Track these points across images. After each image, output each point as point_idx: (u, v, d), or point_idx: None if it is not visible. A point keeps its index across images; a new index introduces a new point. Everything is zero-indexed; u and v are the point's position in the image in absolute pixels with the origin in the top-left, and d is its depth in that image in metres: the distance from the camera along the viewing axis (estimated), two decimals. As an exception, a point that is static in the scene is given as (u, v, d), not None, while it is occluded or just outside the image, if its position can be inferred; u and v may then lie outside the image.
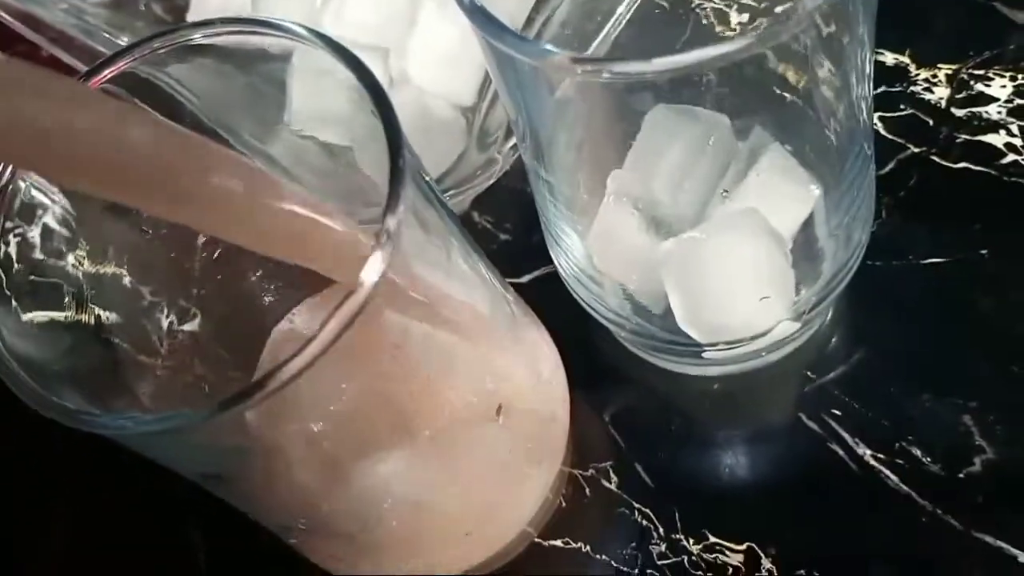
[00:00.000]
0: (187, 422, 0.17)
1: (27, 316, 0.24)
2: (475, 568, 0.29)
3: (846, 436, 0.31)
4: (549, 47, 0.21)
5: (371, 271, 0.17)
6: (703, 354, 0.30)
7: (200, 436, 0.18)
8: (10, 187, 0.24)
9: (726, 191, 0.29)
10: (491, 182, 0.33)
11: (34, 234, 0.26)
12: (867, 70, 0.27)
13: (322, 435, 0.20)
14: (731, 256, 0.28)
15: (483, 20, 0.21)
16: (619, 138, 0.32)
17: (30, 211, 0.26)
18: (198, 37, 0.23)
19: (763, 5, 0.31)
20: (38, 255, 0.26)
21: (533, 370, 0.29)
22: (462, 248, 0.25)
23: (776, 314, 0.28)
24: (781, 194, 0.30)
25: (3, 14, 0.36)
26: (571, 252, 0.30)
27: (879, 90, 0.36)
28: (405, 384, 0.21)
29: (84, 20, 0.39)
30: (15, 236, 0.25)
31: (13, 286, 0.24)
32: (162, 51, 0.23)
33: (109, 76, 0.22)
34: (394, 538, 0.24)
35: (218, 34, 0.22)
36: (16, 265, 0.25)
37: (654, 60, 0.20)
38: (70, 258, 0.27)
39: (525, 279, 0.36)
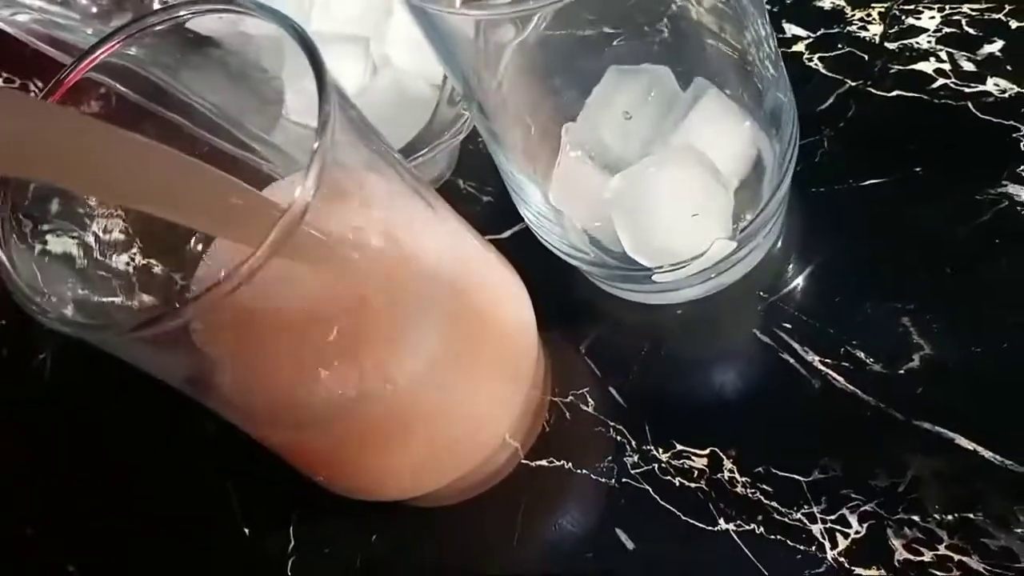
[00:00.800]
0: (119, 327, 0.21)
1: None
2: (465, 480, 0.33)
3: (796, 346, 0.34)
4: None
5: (303, 190, 0.21)
6: (653, 277, 0.33)
7: (152, 342, 0.22)
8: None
9: (627, 113, 0.32)
10: (462, 136, 0.36)
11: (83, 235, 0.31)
12: (763, 32, 0.31)
13: (284, 338, 0.24)
14: (665, 183, 0.31)
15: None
16: (572, 96, 0.35)
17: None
18: (170, 20, 0.27)
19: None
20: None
21: (506, 308, 0.33)
22: (424, 202, 0.29)
23: (711, 233, 0.32)
24: (718, 130, 0.33)
25: (32, 39, 0.41)
26: (529, 199, 0.34)
27: (818, 33, 0.39)
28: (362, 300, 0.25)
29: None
30: (56, 235, 0.30)
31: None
32: (141, 35, 0.27)
33: (99, 60, 0.27)
34: (379, 436, 0.28)
35: (183, 16, 0.27)
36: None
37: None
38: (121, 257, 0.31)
39: (506, 234, 0.40)
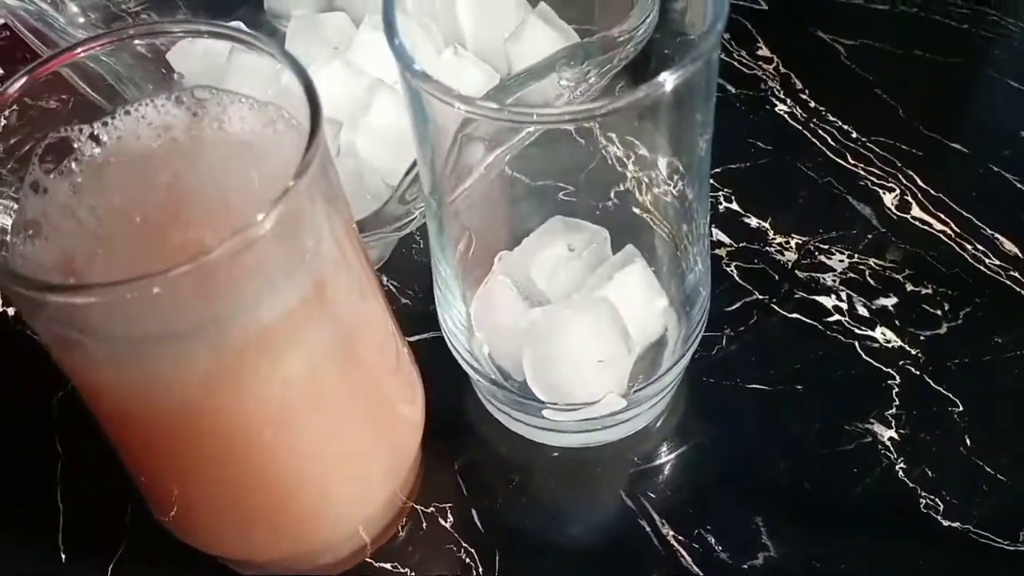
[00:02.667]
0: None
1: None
2: (303, 560, 0.33)
3: (655, 515, 0.36)
4: (440, 82, 0.26)
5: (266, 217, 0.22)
6: (543, 412, 0.34)
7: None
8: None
9: (572, 246, 0.35)
10: (403, 233, 0.38)
11: None
12: (701, 232, 0.34)
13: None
14: (578, 327, 0.33)
15: (399, 52, 0.27)
16: (516, 230, 0.38)
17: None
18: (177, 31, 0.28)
19: (640, 153, 0.37)
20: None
21: (401, 401, 0.34)
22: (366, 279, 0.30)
23: (607, 385, 0.33)
24: (636, 297, 0.36)
25: (15, 21, 0.42)
26: (452, 304, 0.36)
27: (740, 244, 0.43)
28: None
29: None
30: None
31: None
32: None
33: (79, 56, 0.27)
34: (228, 497, 0.28)
35: (186, 33, 0.28)
36: None
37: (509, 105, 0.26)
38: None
39: (415, 338, 0.41)
